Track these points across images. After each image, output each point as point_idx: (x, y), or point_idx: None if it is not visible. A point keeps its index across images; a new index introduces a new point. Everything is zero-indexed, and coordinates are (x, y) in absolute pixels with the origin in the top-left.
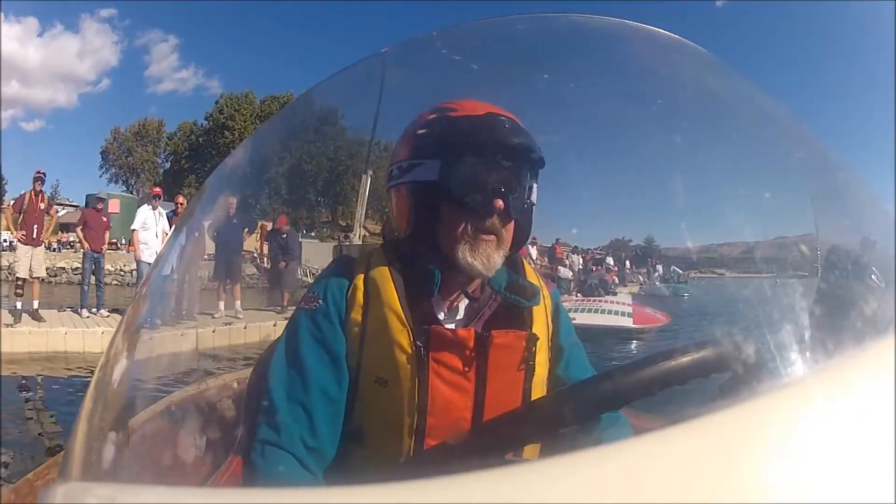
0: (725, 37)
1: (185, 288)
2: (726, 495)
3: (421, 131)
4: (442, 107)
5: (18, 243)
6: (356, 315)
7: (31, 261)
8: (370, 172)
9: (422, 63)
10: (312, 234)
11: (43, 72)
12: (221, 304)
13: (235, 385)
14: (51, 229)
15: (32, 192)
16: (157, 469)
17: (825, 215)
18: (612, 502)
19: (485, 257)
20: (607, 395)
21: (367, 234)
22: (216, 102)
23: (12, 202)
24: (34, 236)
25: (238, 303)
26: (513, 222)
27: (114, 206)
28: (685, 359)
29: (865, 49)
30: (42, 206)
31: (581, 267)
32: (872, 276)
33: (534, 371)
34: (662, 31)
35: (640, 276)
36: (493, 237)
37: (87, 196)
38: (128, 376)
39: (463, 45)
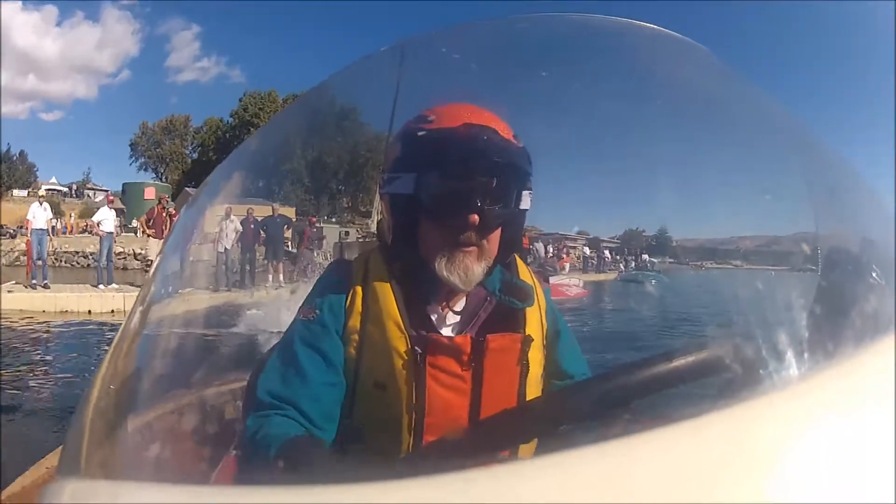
0: (737, 34)
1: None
2: (726, 495)
3: (399, 143)
4: (421, 115)
5: (151, 238)
6: (355, 322)
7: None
8: None
9: (424, 61)
10: (333, 219)
11: (61, 64)
12: (270, 277)
13: (237, 385)
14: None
15: (160, 207)
16: (158, 467)
17: (825, 214)
18: (613, 502)
19: (462, 270)
20: (606, 395)
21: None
22: (240, 100)
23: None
24: (162, 234)
25: (281, 276)
26: (499, 230)
27: (150, 193)
28: (684, 360)
29: (865, 48)
30: (164, 214)
31: (546, 254)
32: (873, 275)
33: (528, 371)
34: (665, 30)
35: (621, 266)
36: (473, 249)
37: (123, 184)
38: (131, 372)
39: (465, 44)
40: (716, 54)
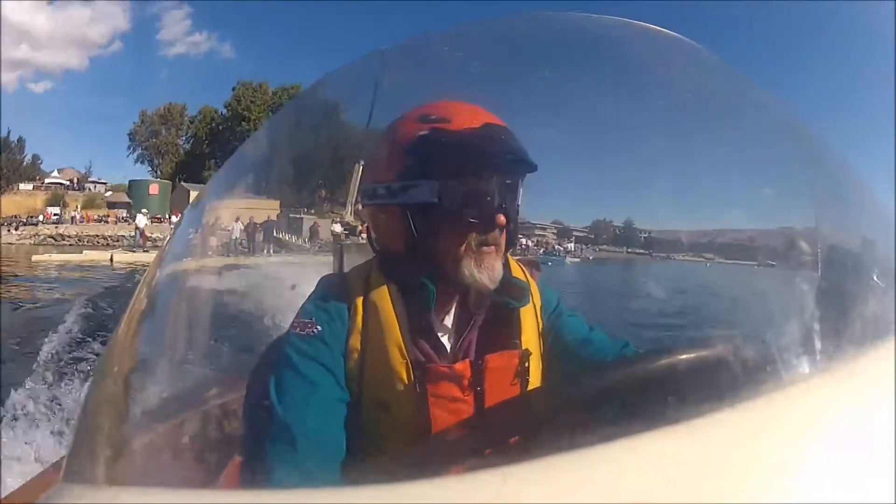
0: (736, 35)
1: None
2: (727, 495)
3: (411, 148)
4: (430, 116)
5: None
6: (355, 340)
7: None
8: (362, 162)
9: (420, 61)
10: (312, 210)
11: (53, 37)
12: (264, 251)
13: (240, 390)
14: None
15: None
16: (161, 472)
17: (825, 213)
18: (611, 502)
19: (489, 269)
20: (599, 391)
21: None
22: (234, 89)
23: None
24: None
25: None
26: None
27: (154, 189)
28: (678, 357)
29: (865, 48)
30: None
31: None
32: (873, 278)
33: (528, 383)
34: (663, 29)
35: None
36: (493, 248)
37: (130, 181)
38: (133, 379)
39: (461, 44)
40: (714, 54)
